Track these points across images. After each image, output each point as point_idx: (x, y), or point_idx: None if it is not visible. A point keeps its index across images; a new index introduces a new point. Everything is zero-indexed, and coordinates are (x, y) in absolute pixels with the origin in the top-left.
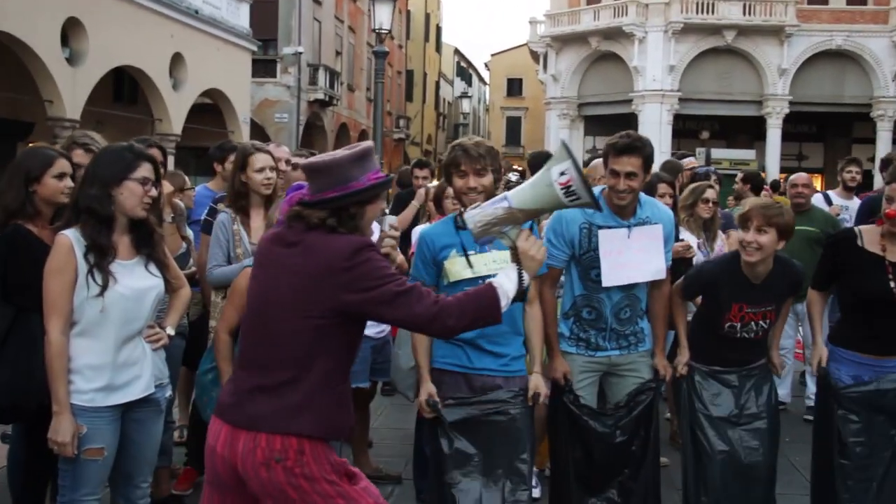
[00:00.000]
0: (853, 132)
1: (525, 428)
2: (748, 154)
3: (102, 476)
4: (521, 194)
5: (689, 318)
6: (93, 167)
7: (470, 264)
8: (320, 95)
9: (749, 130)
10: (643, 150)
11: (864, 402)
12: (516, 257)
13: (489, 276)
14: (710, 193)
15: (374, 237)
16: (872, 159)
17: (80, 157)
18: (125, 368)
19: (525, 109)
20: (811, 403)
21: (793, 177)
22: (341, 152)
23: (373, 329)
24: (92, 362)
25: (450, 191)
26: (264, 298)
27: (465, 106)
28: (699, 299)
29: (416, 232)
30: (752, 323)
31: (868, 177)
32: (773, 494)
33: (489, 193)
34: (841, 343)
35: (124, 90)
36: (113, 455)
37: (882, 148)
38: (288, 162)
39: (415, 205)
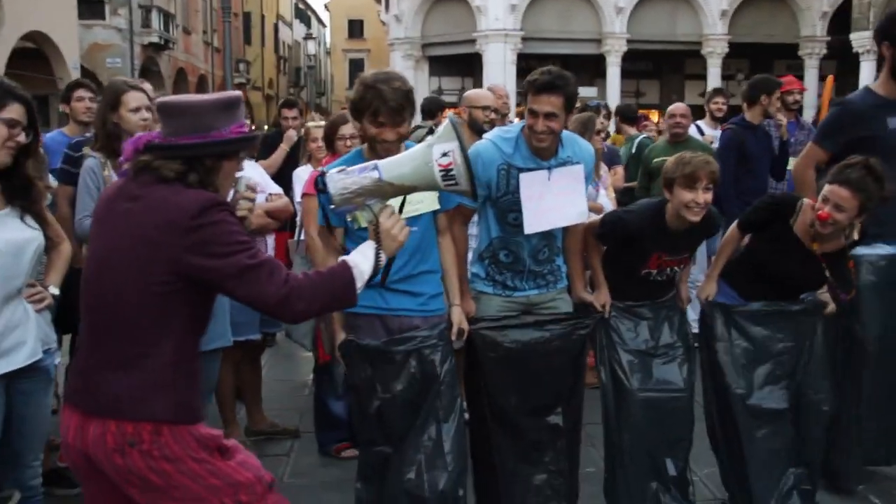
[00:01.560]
0: (685, 69)
1: (451, 370)
2: (590, 91)
3: None
4: (395, 167)
5: None
6: None
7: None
8: (155, 39)
9: (589, 69)
10: (565, 88)
11: (744, 318)
12: (376, 235)
13: (405, 219)
14: (600, 125)
15: None
16: (703, 94)
17: None
18: (6, 333)
19: (367, 51)
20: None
21: (671, 107)
22: (206, 96)
23: None
24: None
25: (344, 130)
26: (103, 260)
27: (311, 48)
28: None
29: (299, 174)
30: (668, 269)
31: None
32: (690, 423)
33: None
34: (730, 282)
35: None
36: None
37: (712, 83)
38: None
39: (284, 148)
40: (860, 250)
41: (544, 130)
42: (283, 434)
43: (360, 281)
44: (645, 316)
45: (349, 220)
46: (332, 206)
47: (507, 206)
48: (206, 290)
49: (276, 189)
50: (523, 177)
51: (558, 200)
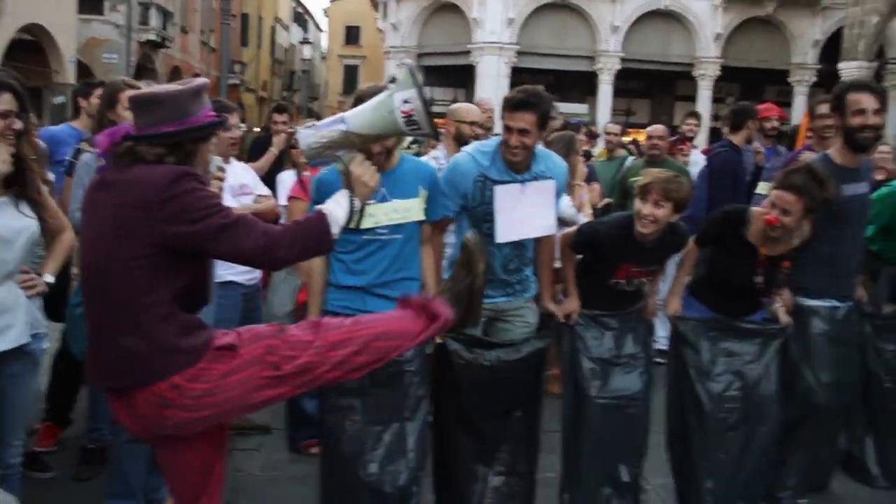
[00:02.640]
0: (677, 90)
1: (419, 373)
2: (581, 108)
3: None
4: (360, 118)
5: None
6: None
7: (369, 214)
8: (152, 36)
9: (582, 85)
10: (539, 106)
11: (709, 331)
12: (349, 183)
13: (392, 226)
14: (580, 145)
15: None
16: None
17: None
18: None
19: (363, 58)
20: (659, 346)
21: (649, 129)
22: (175, 86)
23: (244, 276)
24: None
25: None
26: (91, 249)
27: (307, 52)
28: None
29: (283, 178)
30: (636, 280)
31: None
32: (645, 433)
33: None
34: (697, 295)
35: None
36: None
37: (702, 106)
38: None
39: (273, 151)
40: (813, 302)
41: (517, 145)
42: (254, 430)
43: (336, 226)
44: (611, 326)
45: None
46: (305, 161)
47: (481, 216)
48: (188, 256)
49: (265, 191)
50: (497, 189)
51: (529, 213)
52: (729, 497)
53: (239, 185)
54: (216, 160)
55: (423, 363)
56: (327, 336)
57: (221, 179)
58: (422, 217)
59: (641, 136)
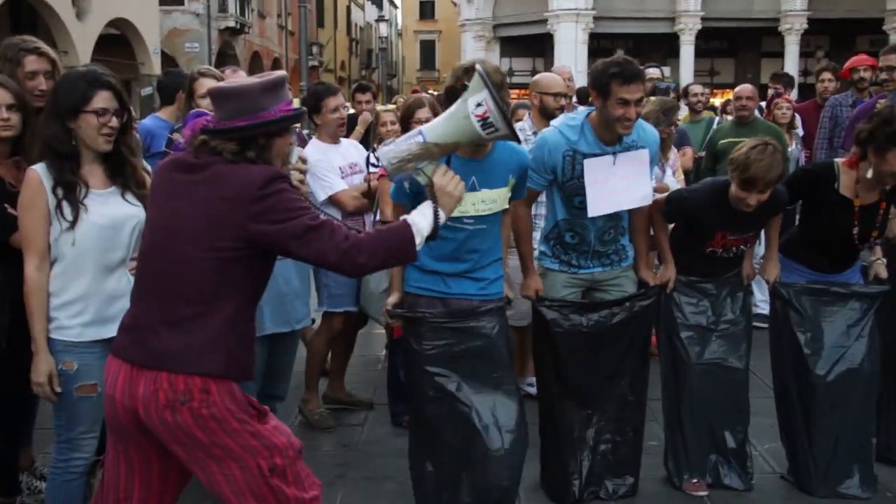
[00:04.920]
0: (762, 46)
1: (503, 346)
2: (664, 71)
3: (98, 413)
4: (437, 128)
5: None
6: (52, 99)
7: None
8: (231, 23)
9: (662, 48)
10: (643, 74)
11: (812, 295)
12: (433, 194)
13: (477, 217)
14: (677, 116)
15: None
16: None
17: (33, 63)
18: (112, 301)
19: (439, 32)
20: (759, 311)
21: (737, 89)
22: (253, 79)
23: None
24: (74, 296)
25: (420, 114)
26: (166, 228)
27: (384, 30)
28: None
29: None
30: (734, 248)
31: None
32: (747, 398)
33: None
34: (793, 256)
35: (22, 21)
36: None
37: (790, 61)
38: None
39: (360, 130)
40: None
41: (634, 117)
42: (358, 405)
43: (420, 237)
44: (709, 292)
45: (407, 185)
46: (388, 177)
47: (572, 191)
48: (268, 255)
49: (375, 168)
50: (587, 162)
51: (623, 184)
52: (841, 459)
53: (349, 164)
54: (297, 150)
55: (507, 334)
56: None
57: (303, 171)
58: (506, 206)
59: (728, 96)
